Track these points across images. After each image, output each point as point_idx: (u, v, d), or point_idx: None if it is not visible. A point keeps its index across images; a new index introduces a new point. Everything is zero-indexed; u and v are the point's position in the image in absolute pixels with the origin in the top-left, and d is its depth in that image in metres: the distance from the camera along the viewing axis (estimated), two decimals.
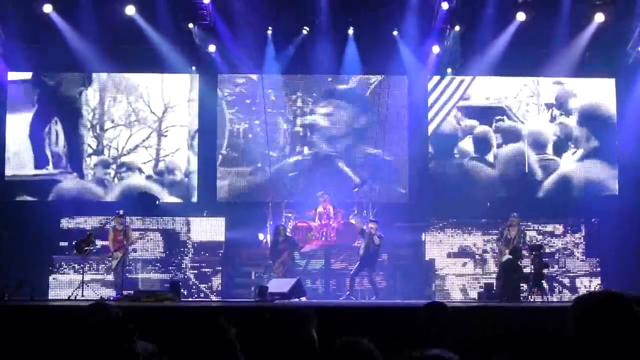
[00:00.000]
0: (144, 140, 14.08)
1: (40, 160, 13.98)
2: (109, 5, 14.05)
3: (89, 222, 14.13)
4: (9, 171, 14.44)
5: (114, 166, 14.27)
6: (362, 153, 15.40)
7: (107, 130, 14.10)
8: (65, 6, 14.13)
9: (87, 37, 14.20)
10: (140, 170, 14.58)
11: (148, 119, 14.42)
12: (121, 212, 12.75)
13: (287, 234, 13.35)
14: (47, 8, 14.09)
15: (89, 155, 14.13)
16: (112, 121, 14.23)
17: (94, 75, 14.28)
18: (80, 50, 14.38)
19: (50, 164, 13.97)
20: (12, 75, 14.39)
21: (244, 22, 14.27)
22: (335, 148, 15.44)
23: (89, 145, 14.09)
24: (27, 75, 14.17)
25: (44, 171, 14.02)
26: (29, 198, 14.48)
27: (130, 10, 14.06)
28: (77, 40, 14.29)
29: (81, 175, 14.25)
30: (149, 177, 14.67)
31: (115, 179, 14.51)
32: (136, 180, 14.64)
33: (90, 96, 13.95)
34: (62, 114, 13.86)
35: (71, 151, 13.86)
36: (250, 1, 14.03)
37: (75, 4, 13.87)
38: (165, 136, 14.49)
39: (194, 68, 15.07)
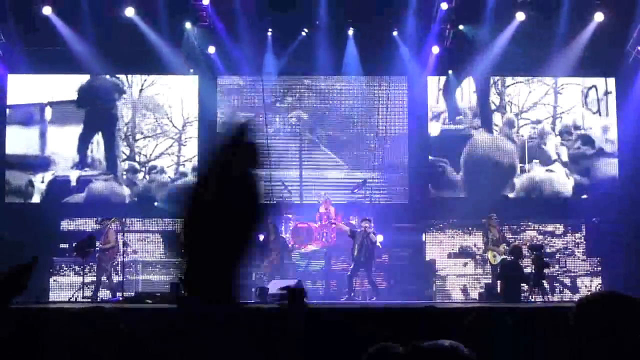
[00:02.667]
0: (167, 149, 15.70)
1: (81, 164, 15.53)
2: (108, 7, 14.06)
3: (89, 224, 14.22)
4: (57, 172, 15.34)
5: (143, 169, 15.58)
6: (362, 153, 15.40)
7: (138, 140, 15.66)
8: (64, 8, 14.14)
9: (86, 39, 14.24)
10: (164, 173, 15.69)
11: (170, 131, 15.65)
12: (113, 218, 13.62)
13: (282, 234, 13.31)
14: (47, 10, 14.11)
15: (123, 161, 15.61)
16: (142, 133, 15.69)
17: (127, 94, 15.69)
18: (80, 52, 14.43)
19: (90, 166, 15.54)
20: (63, 95, 15.41)
21: (244, 23, 14.28)
22: (336, 149, 15.44)
23: (123, 152, 15.64)
24: (73, 95, 15.49)
25: (85, 172, 15.52)
26: (69, 199, 15.20)
27: (129, 11, 14.08)
28: (76, 42, 14.34)
29: (116, 177, 15.51)
30: (170, 180, 15.54)
31: (145, 180, 15.51)
32: (159, 181, 15.59)
33: (125, 113, 15.61)
34: (104, 127, 15.63)
35: (109, 157, 15.58)
36: (250, 2, 14.03)
37: (75, 6, 13.88)
38: (185, 145, 15.67)
39: (192, 70, 15.10)
